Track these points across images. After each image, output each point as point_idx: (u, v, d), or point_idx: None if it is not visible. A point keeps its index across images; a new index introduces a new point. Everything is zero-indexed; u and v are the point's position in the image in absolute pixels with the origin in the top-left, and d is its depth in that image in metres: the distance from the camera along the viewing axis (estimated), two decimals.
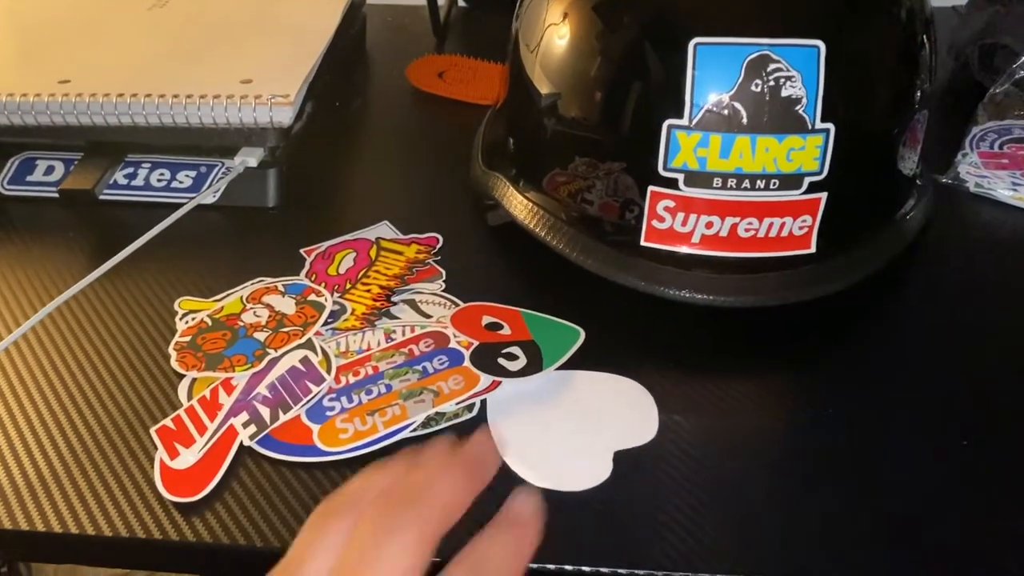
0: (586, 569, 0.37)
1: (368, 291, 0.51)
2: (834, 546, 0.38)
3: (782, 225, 0.47)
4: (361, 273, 0.53)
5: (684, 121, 0.45)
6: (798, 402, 0.45)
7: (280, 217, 0.59)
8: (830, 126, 0.45)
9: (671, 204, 0.47)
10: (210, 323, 0.49)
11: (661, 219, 0.48)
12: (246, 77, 0.60)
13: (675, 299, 0.48)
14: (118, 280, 0.53)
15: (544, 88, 0.51)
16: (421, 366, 0.46)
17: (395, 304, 0.50)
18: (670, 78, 0.45)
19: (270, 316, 0.49)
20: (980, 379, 0.46)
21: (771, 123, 0.44)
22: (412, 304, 0.50)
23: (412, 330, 0.48)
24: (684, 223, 0.47)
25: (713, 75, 0.44)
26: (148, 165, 0.60)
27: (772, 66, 0.44)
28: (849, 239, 0.50)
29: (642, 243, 0.49)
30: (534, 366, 0.46)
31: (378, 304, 0.50)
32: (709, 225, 0.47)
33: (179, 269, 0.53)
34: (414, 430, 0.43)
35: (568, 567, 0.37)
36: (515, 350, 0.47)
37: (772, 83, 0.44)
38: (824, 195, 0.46)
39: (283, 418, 0.43)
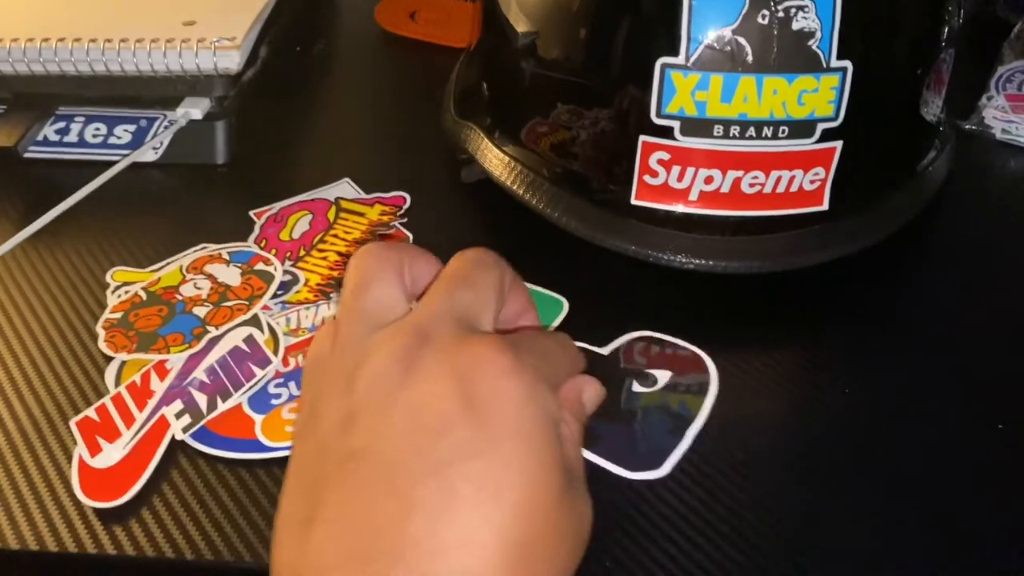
0: None
1: (324, 259, 0.45)
2: (858, 542, 0.33)
3: (791, 179, 0.41)
4: (317, 238, 0.47)
5: (680, 59, 0.39)
6: (810, 381, 0.40)
7: (229, 175, 0.53)
8: (847, 64, 0.39)
9: (665, 156, 0.41)
10: (144, 297, 0.43)
11: (654, 174, 0.42)
12: (189, 18, 0.54)
13: (670, 265, 0.42)
14: (43, 248, 0.47)
15: (521, 26, 0.45)
16: None
17: None
18: (664, 10, 0.39)
19: (212, 288, 0.44)
20: (1013, 352, 0.41)
21: (780, 61, 0.38)
22: None
23: None
24: (680, 178, 0.41)
25: (713, 5, 0.38)
26: (82, 119, 0.54)
27: None
28: (866, 195, 0.44)
29: (632, 201, 0.43)
30: None
31: (335, 273, 0.44)
32: (709, 180, 0.41)
33: (113, 235, 0.48)
34: None
35: None
36: None
37: (781, 14, 0.38)
38: (839, 144, 0.41)
39: (222, 407, 0.38)
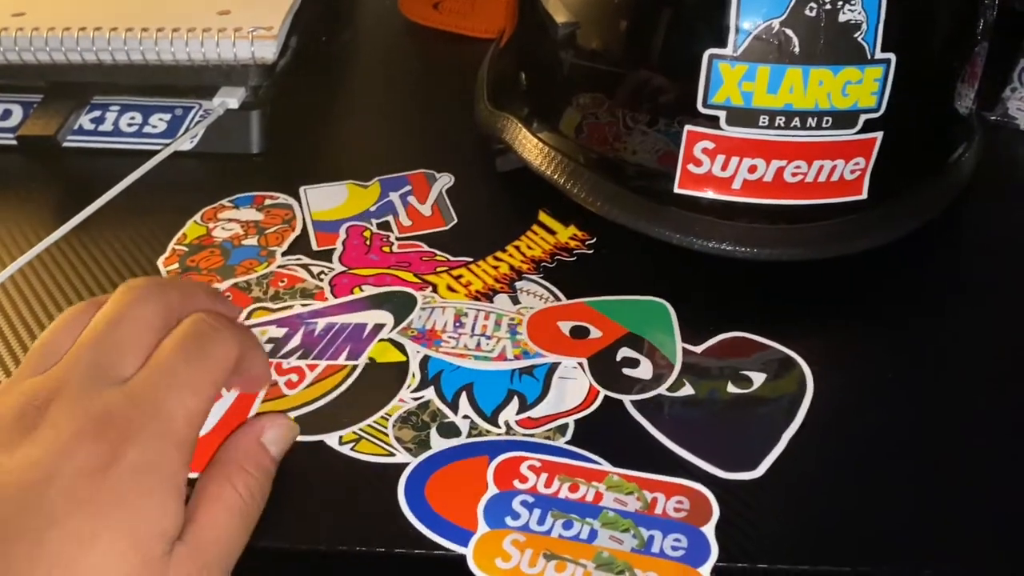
0: None
1: (496, 268, 0.45)
2: (901, 547, 0.34)
3: (832, 168, 0.42)
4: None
5: (728, 50, 0.40)
6: (852, 368, 0.41)
7: (264, 164, 0.53)
8: (891, 56, 0.40)
9: (710, 145, 0.42)
10: (188, 250, 0.45)
11: (698, 163, 0.42)
12: (224, 8, 0.54)
13: (712, 252, 0.43)
14: (87, 237, 0.47)
15: (560, 17, 0.45)
16: (649, 535, 0.33)
17: (515, 292, 0.44)
18: (712, 1, 0.40)
19: (241, 224, 0.47)
20: None
21: (826, 53, 0.39)
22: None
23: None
24: (724, 167, 0.42)
25: None
26: (117, 108, 0.54)
27: None
28: (902, 185, 0.45)
29: (676, 190, 0.43)
30: (663, 365, 0.40)
31: (498, 287, 0.44)
32: (752, 169, 0.42)
33: (154, 223, 0.48)
34: None
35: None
36: (628, 353, 0.40)
37: (828, 6, 0.39)
38: (880, 135, 0.41)
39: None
